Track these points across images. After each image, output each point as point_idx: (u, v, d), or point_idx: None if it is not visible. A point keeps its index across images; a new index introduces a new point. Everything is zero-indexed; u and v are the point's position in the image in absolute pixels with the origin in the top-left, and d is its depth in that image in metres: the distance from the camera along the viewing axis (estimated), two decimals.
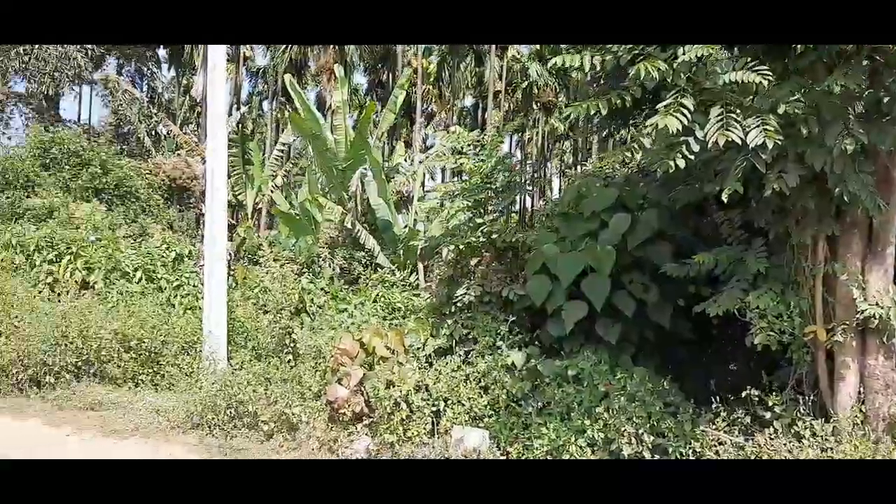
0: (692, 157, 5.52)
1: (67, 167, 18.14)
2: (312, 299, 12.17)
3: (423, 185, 17.96)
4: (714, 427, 6.35)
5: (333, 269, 14.89)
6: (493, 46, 30.06)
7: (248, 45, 34.83)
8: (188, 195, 23.22)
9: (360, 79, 41.92)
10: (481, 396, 7.69)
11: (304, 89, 24.36)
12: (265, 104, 39.51)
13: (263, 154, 23.67)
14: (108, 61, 24.07)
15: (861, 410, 6.07)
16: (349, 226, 15.77)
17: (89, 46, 21.52)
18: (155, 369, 9.70)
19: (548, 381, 7.52)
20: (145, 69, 28.69)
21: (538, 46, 29.88)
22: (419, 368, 7.94)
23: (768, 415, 6.17)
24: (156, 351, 9.84)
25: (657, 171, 5.89)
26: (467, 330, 8.50)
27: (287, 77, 21.30)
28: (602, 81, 7.26)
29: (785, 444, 5.84)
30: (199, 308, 11.46)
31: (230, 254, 14.10)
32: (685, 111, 5.20)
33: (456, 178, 36.31)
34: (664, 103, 5.33)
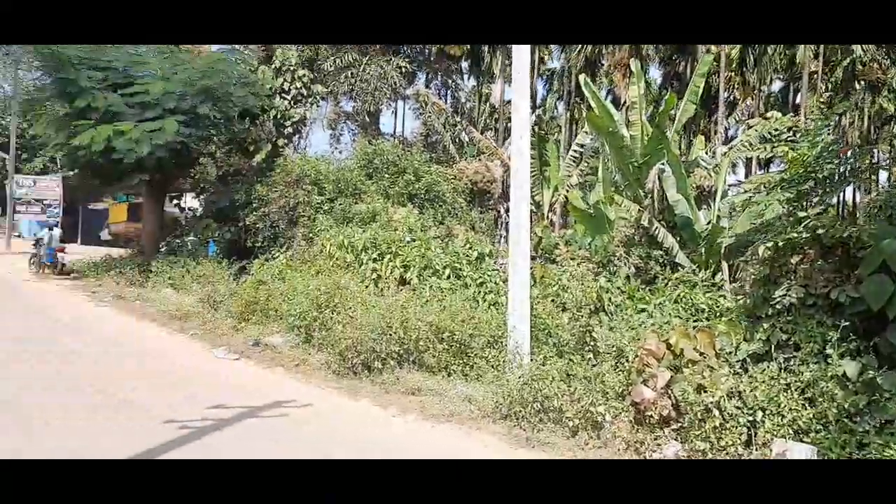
0: None
1: (387, 175, 20.21)
2: (610, 298, 12.06)
3: (725, 178, 16.82)
4: None
5: (629, 268, 14.61)
6: None
7: (543, 48, 35.79)
8: (488, 197, 24.49)
9: (654, 72, 40.75)
10: (805, 408, 6.95)
11: (597, 88, 24.32)
12: (559, 105, 40.31)
13: (559, 154, 24.06)
14: (419, 77, 26.42)
15: None
16: (645, 223, 15.35)
17: (404, 65, 23.93)
18: (465, 360, 10.35)
19: (888, 396, 6.56)
20: (449, 81, 30.95)
21: None
22: (732, 374, 7.41)
23: None
24: (465, 343, 10.51)
25: None
26: (787, 335, 7.73)
27: (581, 77, 21.40)
28: None
29: None
30: (501, 304, 12.02)
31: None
32: None
33: (762, 170, 33.54)
34: None
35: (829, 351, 7.24)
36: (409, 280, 14.21)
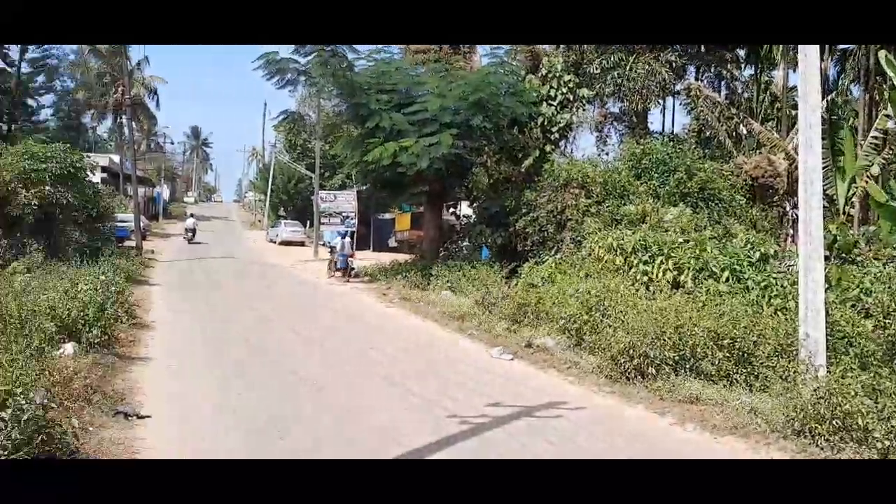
0: None
1: (656, 175, 19.55)
2: None
3: None
4: None
5: None
6: None
7: None
8: (770, 193, 22.56)
9: None
10: None
11: None
12: (854, 88, 35.77)
13: (855, 142, 21.36)
14: (689, 70, 25.17)
15: None
16: None
17: (672, 60, 22.97)
18: (748, 369, 9.63)
19: None
20: (724, 72, 29.08)
21: None
22: None
23: None
24: (748, 351, 9.78)
25: None
26: None
27: (882, 54, 18.81)
28: None
29: None
30: (790, 310, 10.97)
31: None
32: None
33: None
34: None
35: None
36: (682, 283, 13.58)
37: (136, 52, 59.99)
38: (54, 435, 5.30)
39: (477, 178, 25.22)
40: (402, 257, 27.71)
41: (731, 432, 7.97)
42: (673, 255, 14.22)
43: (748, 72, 35.20)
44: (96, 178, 32.39)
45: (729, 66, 29.84)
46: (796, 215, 17.65)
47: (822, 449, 7.21)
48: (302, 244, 41.85)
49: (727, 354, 9.77)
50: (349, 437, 7.32)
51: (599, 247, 15.92)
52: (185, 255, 33.76)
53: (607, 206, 18.54)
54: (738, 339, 9.80)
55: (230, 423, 7.66)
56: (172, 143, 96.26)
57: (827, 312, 9.24)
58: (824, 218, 10.63)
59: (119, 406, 7.66)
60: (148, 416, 7.59)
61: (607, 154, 25.01)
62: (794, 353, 9.16)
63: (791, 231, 21.66)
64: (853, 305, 11.13)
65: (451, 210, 29.24)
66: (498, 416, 8.27)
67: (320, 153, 38.10)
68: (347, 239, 26.30)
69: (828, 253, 14.27)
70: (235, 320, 15.21)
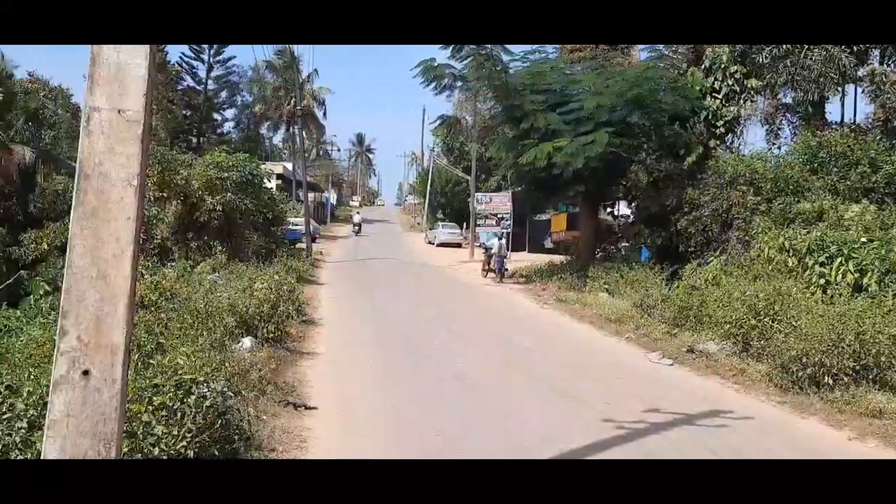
0: None
1: (835, 169, 18.03)
2: None
3: None
4: None
5: None
6: None
7: None
8: None
9: None
10: None
11: None
12: None
13: None
14: (872, 54, 22.95)
15: None
16: None
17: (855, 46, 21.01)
18: None
19: None
20: None
21: None
22: None
23: None
24: None
25: None
26: None
27: None
28: None
29: None
30: None
31: None
32: None
33: None
34: None
35: None
36: (865, 286, 12.44)
37: (306, 65, 64.03)
38: (232, 421, 5.80)
39: (635, 176, 24.50)
40: (557, 258, 27.52)
41: None
42: (855, 255, 13.08)
43: None
44: (272, 184, 34.92)
45: None
46: None
47: None
48: (459, 246, 42.68)
49: None
50: (503, 437, 7.39)
51: (770, 247, 14.97)
52: (351, 256, 35.53)
53: (778, 204, 17.35)
54: None
55: (389, 419, 7.98)
56: (339, 150, 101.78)
57: None
58: None
59: (289, 397, 8.22)
60: (315, 408, 8.08)
61: (779, 148, 23.30)
62: None
63: None
64: None
65: (609, 210, 28.61)
66: (656, 422, 8.01)
67: (476, 155, 38.66)
68: (503, 240, 26.50)
69: None
70: (395, 319, 15.81)
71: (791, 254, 14.22)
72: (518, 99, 22.25)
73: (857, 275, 12.73)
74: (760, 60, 21.98)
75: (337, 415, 7.99)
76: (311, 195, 48.66)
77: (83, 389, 3.32)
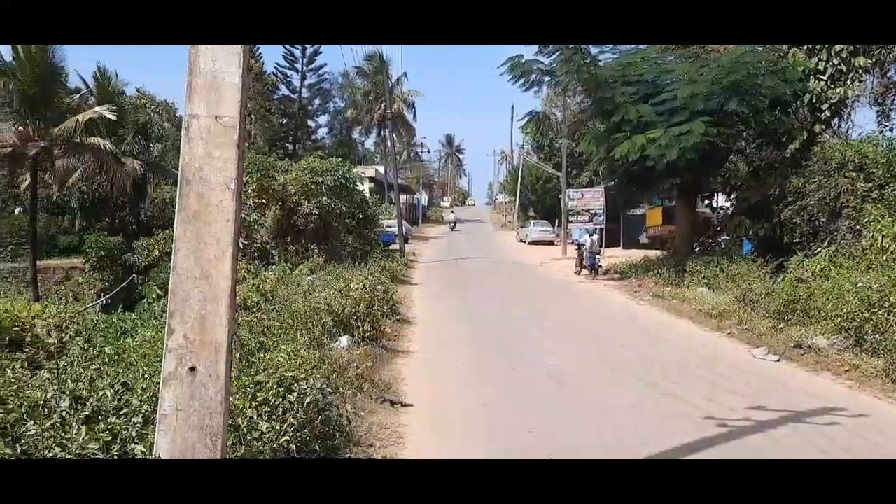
0: None
1: None
2: None
3: None
4: None
5: None
6: None
7: None
8: None
9: None
10: None
11: None
12: None
13: None
14: None
15: None
16: None
17: None
18: None
19: None
20: None
21: None
22: None
23: None
24: None
25: None
26: None
27: None
28: None
29: None
30: None
31: None
32: None
33: None
34: None
35: None
36: None
37: (395, 68, 65.13)
38: (332, 417, 5.96)
39: (734, 166, 23.56)
40: (653, 253, 26.81)
41: None
42: None
43: None
44: (364, 187, 35.68)
45: None
46: None
47: None
48: (551, 243, 42.30)
49: None
50: (597, 435, 7.26)
51: (883, 236, 14.07)
52: (443, 256, 35.83)
53: (892, 190, 16.28)
54: None
55: (482, 416, 7.98)
56: (429, 152, 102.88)
57: None
58: None
59: (385, 394, 8.37)
60: (411, 405, 8.19)
61: (891, 130, 21.84)
62: None
63: None
64: None
65: (706, 202, 27.62)
66: (761, 419, 7.67)
67: (567, 151, 38.20)
68: (595, 236, 26.07)
69: None
70: (488, 318, 15.81)
71: None
72: (608, 91, 21.81)
73: None
74: None
75: (432, 412, 8.06)
76: (402, 197, 49.43)
77: (190, 385, 3.49)
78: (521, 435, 7.21)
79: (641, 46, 23.40)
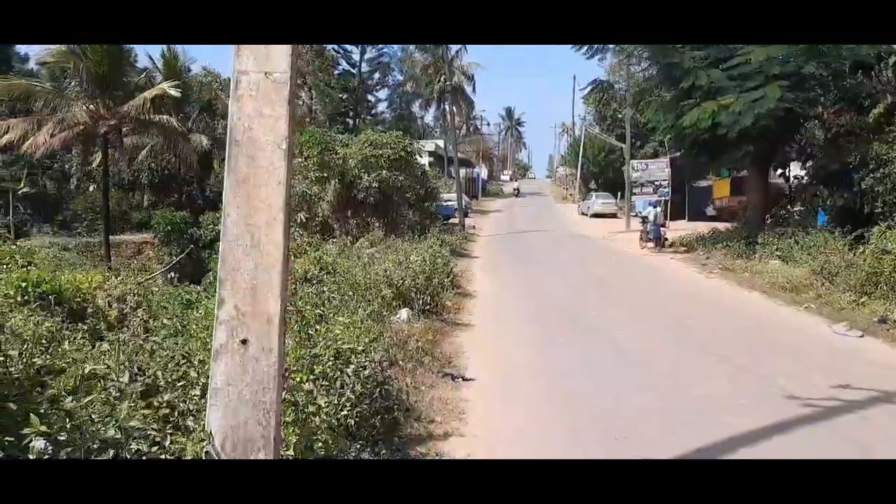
0: None
1: None
2: None
3: None
4: None
5: None
6: None
7: None
8: None
9: None
10: None
11: None
12: None
13: None
14: None
15: None
16: None
17: None
18: None
19: None
20: None
21: None
22: None
23: None
24: None
25: None
26: None
27: None
28: None
29: None
30: None
31: None
32: None
33: None
34: None
35: None
36: None
37: None
38: (391, 391, 5.78)
39: (811, 133, 22.36)
40: (720, 226, 25.84)
41: None
42: None
43: None
44: (424, 161, 35.50)
45: None
46: None
47: None
48: (614, 216, 41.35)
49: None
50: (669, 415, 6.89)
51: None
52: (503, 229, 35.45)
53: None
54: None
55: (546, 393, 7.70)
56: (489, 125, 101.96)
57: None
58: None
59: (446, 368, 8.17)
60: (472, 379, 7.98)
61: None
62: None
63: None
64: None
65: (780, 172, 26.40)
66: (847, 399, 7.15)
67: (630, 122, 37.12)
68: (660, 208, 25.28)
69: None
70: (550, 290, 15.46)
71: None
72: (676, 56, 20.91)
73: None
74: None
75: (494, 387, 7.82)
76: (462, 171, 49.09)
77: (242, 358, 3.32)
78: (587, 413, 6.91)
79: None
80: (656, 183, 35.27)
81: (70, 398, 3.09)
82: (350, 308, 8.89)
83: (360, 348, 5.45)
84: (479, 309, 13.01)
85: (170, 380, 4.77)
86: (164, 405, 4.42)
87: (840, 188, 19.65)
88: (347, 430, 4.97)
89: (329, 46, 56.58)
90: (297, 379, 5.02)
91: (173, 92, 24.47)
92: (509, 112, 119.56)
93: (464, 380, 7.90)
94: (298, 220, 20.42)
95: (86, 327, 6.01)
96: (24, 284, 6.48)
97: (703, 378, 8.22)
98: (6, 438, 3.04)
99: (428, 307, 11.12)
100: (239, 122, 3.33)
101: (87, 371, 4.08)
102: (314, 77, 51.32)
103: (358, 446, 5.04)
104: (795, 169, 26.55)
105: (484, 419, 6.59)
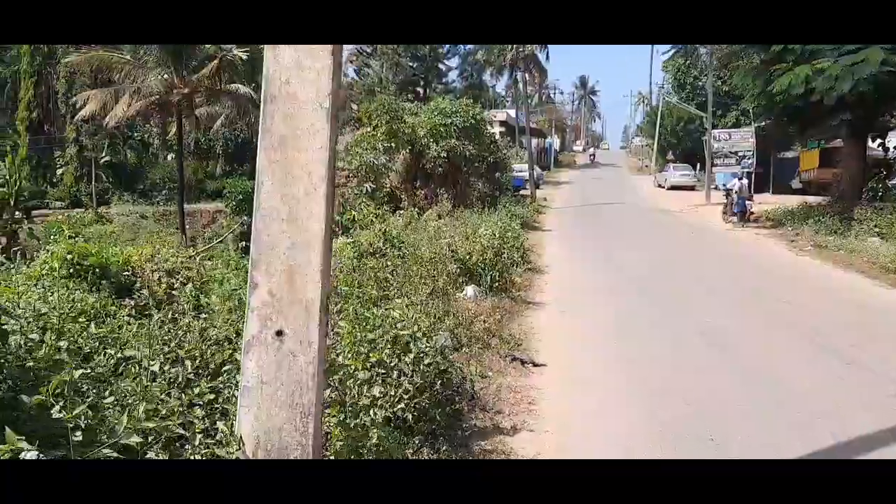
0: None
1: None
2: None
3: None
4: None
5: None
6: None
7: None
8: None
9: None
10: None
11: None
12: None
13: None
14: None
15: None
16: None
17: None
18: None
19: None
20: None
21: None
22: None
23: None
24: None
25: None
26: None
27: None
28: None
29: None
30: None
31: None
32: None
33: None
34: None
35: None
36: None
37: None
38: (454, 380, 5.26)
39: None
40: (808, 199, 24.21)
41: None
42: None
43: None
44: (495, 130, 34.64)
45: None
46: None
47: None
48: (692, 188, 39.61)
49: None
50: (763, 409, 6.15)
51: None
52: (576, 201, 34.41)
53: None
54: None
55: (625, 382, 7.04)
56: (562, 94, 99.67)
57: None
58: None
59: (515, 352, 7.60)
60: (544, 365, 7.39)
61: None
62: None
63: None
64: None
65: (878, 141, 24.49)
66: None
67: (712, 90, 35.27)
68: (745, 181, 23.82)
69: None
70: (627, 266, 14.63)
71: None
72: None
73: None
74: None
75: (567, 374, 7.20)
76: (533, 141, 47.94)
77: (277, 352, 2.83)
78: (674, 407, 6.22)
79: None
80: (739, 154, 33.58)
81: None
82: (414, 285, 8.41)
83: (419, 334, 4.92)
84: (551, 286, 12.34)
85: (215, 365, 4.39)
86: (208, 391, 4.03)
87: None
88: (405, 424, 4.48)
89: None
90: (352, 366, 4.55)
91: (241, 53, 24.42)
92: (583, 81, 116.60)
93: (534, 365, 7.32)
94: (364, 191, 20.06)
95: (133, 303, 5.72)
96: (69, 257, 6.23)
97: (808, 371, 7.38)
98: None
99: (497, 283, 10.53)
100: (275, 74, 2.81)
101: (117, 356, 3.67)
102: (386, 45, 50.85)
103: (416, 442, 4.55)
104: (895, 139, 24.64)
105: (556, 411, 6.01)
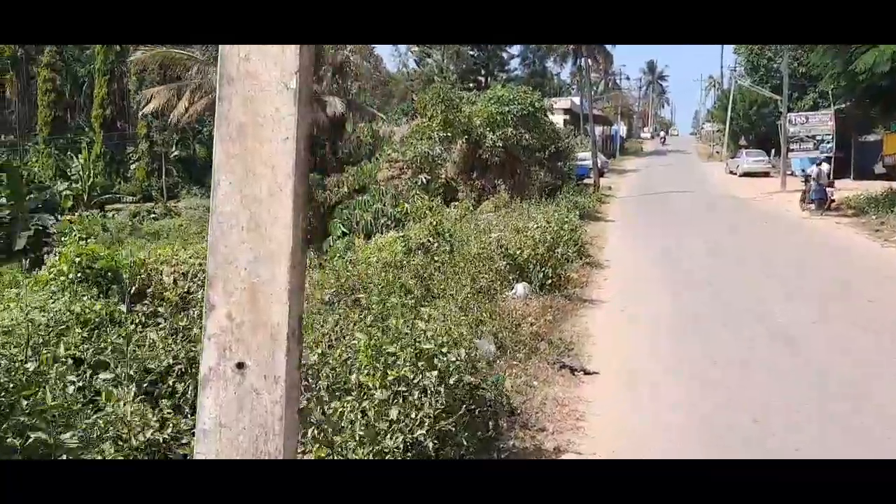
0: None
1: None
2: None
3: None
4: None
5: None
6: None
7: None
8: None
9: None
10: None
11: None
12: None
13: None
14: None
15: None
16: None
17: None
18: None
19: None
20: None
21: None
22: None
23: None
24: None
25: None
26: None
27: None
28: None
29: None
30: None
31: None
32: None
33: None
34: None
35: None
36: None
37: None
38: (487, 397, 4.67)
39: None
40: (894, 185, 22.50)
41: None
42: None
43: None
44: (557, 118, 33.72)
45: None
46: None
47: None
48: (766, 175, 37.72)
49: None
50: (846, 430, 5.36)
51: None
52: (642, 190, 33.19)
53: None
54: None
55: (688, 394, 6.33)
56: (628, 79, 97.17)
57: None
58: None
59: (564, 358, 6.97)
60: (596, 373, 6.74)
61: None
62: None
63: None
64: None
65: None
66: None
67: (788, 71, 33.39)
68: (825, 166, 22.30)
69: None
70: (696, 259, 13.72)
71: None
72: None
73: None
74: None
75: (621, 385, 6.53)
76: (598, 129, 46.70)
77: (238, 388, 2.31)
78: (740, 426, 5.49)
79: None
80: (818, 138, 31.72)
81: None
82: (458, 283, 7.87)
83: (447, 346, 4.35)
84: (611, 282, 11.61)
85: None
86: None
87: None
88: (426, 452, 3.94)
89: None
90: (367, 382, 4.05)
91: None
92: (651, 66, 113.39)
93: (585, 373, 6.68)
94: (419, 183, 19.60)
95: (145, 309, 5.37)
96: (77, 260, 5.95)
97: (890, 376, 6.51)
98: None
99: (550, 281, 9.87)
100: (232, 49, 2.30)
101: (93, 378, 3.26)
102: None
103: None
104: None
105: (606, 429, 5.38)
